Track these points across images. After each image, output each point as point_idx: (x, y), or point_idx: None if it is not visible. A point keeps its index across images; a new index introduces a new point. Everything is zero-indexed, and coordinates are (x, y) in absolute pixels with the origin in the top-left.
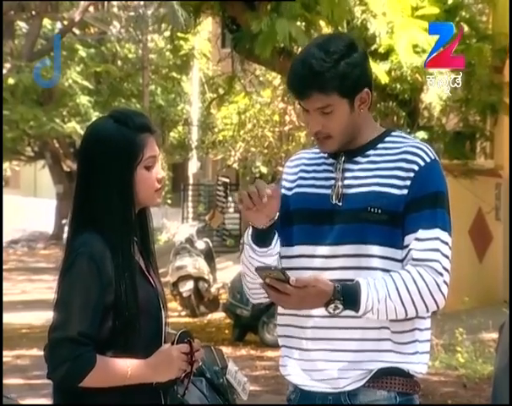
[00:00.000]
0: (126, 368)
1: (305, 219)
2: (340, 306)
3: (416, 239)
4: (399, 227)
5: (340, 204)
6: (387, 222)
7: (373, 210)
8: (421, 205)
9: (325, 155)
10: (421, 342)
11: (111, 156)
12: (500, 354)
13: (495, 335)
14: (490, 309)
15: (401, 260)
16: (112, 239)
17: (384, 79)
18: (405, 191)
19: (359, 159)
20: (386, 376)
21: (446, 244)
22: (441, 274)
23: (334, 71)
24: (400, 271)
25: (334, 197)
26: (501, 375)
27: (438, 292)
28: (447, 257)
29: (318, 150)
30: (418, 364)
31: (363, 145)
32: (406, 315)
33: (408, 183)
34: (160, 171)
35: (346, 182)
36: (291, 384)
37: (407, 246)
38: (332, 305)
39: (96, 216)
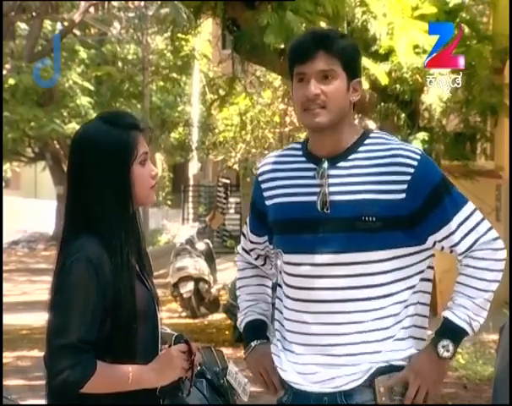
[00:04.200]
0: (127, 373)
1: (286, 229)
2: (452, 347)
3: (452, 233)
4: (397, 229)
5: (328, 211)
6: (382, 227)
7: (367, 219)
8: (437, 198)
9: (303, 159)
10: (416, 339)
11: (107, 157)
12: (501, 356)
13: (495, 336)
14: (490, 310)
15: (409, 254)
16: (111, 241)
17: (383, 80)
18: (402, 195)
19: (341, 164)
20: (382, 375)
21: (473, 212)
22: (489, 241)
23: (340, 40)
24: (463, 271)
25: (320, 205)
26: (501, 376)
27: (496, 252)
28: (481, 222)
29: (290, 153)
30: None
31: (344, 150)
32: (493, 291)
33: (404, 186)
34: (153, 167)
35: (332, 189)
36: (283, 386)
37: (443, 240)
38: (449, 353)
39: (93, 218)
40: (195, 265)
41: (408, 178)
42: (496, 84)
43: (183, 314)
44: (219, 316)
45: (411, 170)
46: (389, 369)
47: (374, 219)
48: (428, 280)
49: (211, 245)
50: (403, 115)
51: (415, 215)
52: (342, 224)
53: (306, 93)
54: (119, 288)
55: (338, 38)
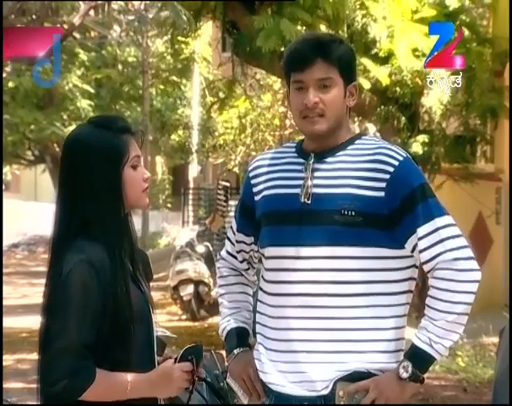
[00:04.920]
0: (125, 383)
1: (272, 221)
2: (420, 374)
3: (420, 239)
4: (376, 227)
5: (309, 202)
6: (361, 223)
7: (347, 212)
8: (411, 203)
9: (294, 154)
10: (397, 341)
11: (98, 160)
12: (501, 358)
13: (495, 339)
14: (490, 313)
15: (390, 257)
16: (106, 244)
17: (384, 80)
18: (381, 193)
19: (329, 159)
20: (363, 380)
21: (447, 226)
22: (455, 259)
23: (337, 45)
24: (428, 293)
25: (303, 196)
26: (502, 378)
27: (461, 273)
28: (452, 237)
29: (282, 150)
30: (394, 364)
31: (334, 146)
32: (460, 315)
33: (383, 185)
34: (145, 171)
35: (316, 181)
36: (266, 392)
37: (415, 247)
38: (413, 378)
39: (87, 221)
40: (195, 268)
41: (387, 176)
42: (496, 86)
43: (183, 317)
44: (219, 319)
45: (391, 169)
46: (366, 375)
47: (354, 213)
48: (410, 291)
49: (211, 248)
50: (403, 118)
51: (393, 215)
52: (322, 217)
53: (305, 102)
54: (116, 290)
55: (335, 44)
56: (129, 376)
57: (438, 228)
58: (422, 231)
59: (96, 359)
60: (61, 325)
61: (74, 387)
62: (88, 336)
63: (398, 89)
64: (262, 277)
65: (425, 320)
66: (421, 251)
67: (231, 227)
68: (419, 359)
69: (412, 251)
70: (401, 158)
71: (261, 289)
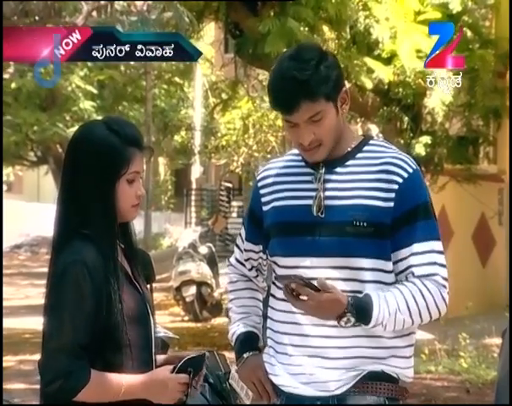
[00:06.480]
0: (120, 385)
1: (283, 232)
2: (352, 319)
3: (413, 254)
4: (385, 238)
5: (323, 215)
6: (373, 234)
7: (358, 223)
8: (412, 217)
9: (302, 164)
10: (412, 346)
11: (96, 162)
12: (503, 359)
13: (498, 340)
14: (493, 314)
15: (391, 272)
16: (100, 245)
17: (388, 77)
18: (390, 203)
19: (339, 169)
20: (375, 382)
21: (441, 253)
22: (443, 285)
23: (317, 77)
24: (407, 284)
25: (315, 209)
26: (504, 379)
27: (442, 302)
28: (444, 266)
29: (290, 158)
30: (408, 369)
31: (342, 155)
32: (412, 324)
33: (392, 195)
34: (141, 188)
35: (328, 193)
36: (277, 394)
37: (402, 260)
38: (344, 318)
39: (83, 221)
40: (198, 269)
41: (396, 187)
42: (498, 87)
43: (186, 318)
44: (221, 320)
45: (400, 180)
46: (381, 375)
47: (365, 224)
48: None
49: (214, 249)
50: (406, 119)
51: (393, 225)
52: (335, 228)
53: (300, 141)
54: (109, 291)
55: (316, 74)
56: (124, 378)
57: (434, 251)
58: (418, 247)
59: (90, 360)
60: (55, 325)
61: (69, 387)
62: (82, 336)
63: (401, 90)
64: (274, 283)
65: (390, 296)
66: (416, 265)
67: (240, 234)
68: (363, 313)
69: (394, 263)
70: (411, 170)
71: (272, 295)
